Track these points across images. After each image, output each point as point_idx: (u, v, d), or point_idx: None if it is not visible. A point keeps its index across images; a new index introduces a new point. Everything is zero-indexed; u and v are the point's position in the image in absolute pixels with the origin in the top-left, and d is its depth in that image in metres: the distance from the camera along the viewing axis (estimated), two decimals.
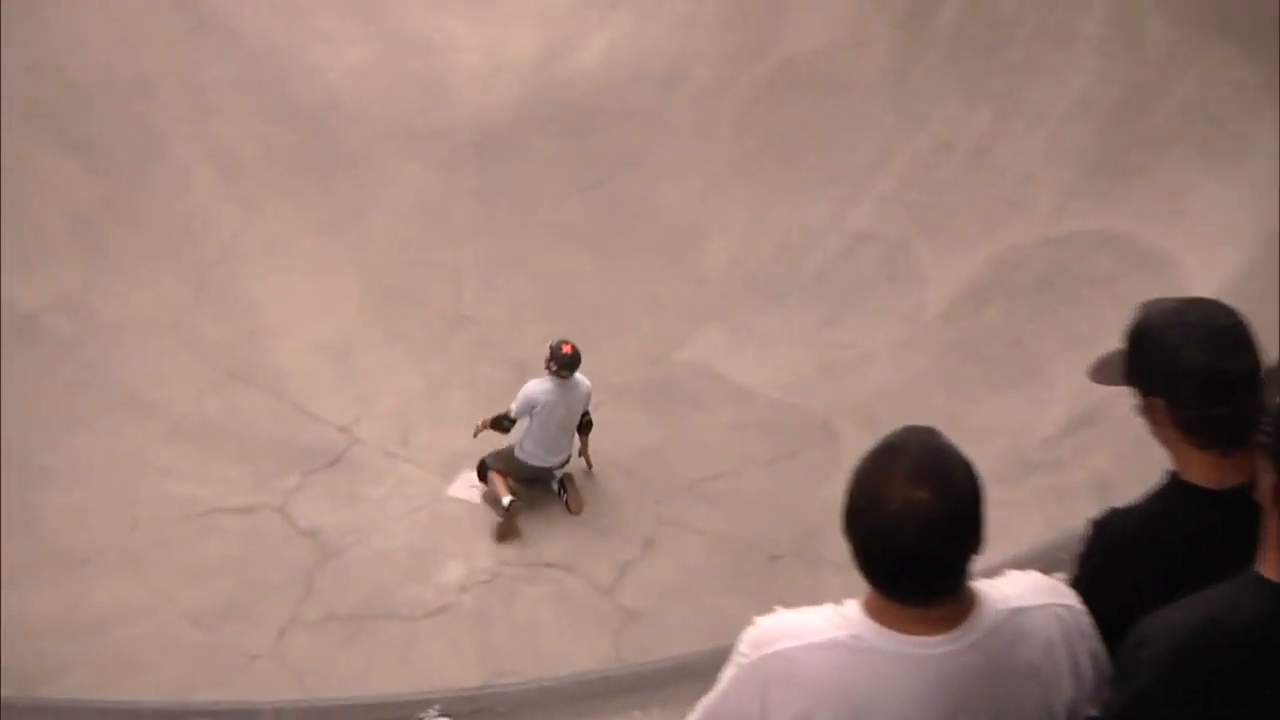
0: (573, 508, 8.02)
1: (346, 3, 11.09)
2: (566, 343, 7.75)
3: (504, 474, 7.86)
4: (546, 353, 7.77)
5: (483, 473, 7.99)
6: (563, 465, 8.05)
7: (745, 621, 2.37)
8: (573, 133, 10.64)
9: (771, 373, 8.94)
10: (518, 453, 7.91)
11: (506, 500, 7.72)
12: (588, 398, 7.91)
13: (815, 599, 2.40)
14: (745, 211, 10.09)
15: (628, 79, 10.80)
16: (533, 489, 8.02)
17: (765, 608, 2.39)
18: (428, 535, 7.96)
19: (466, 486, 8.32)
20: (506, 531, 7.79)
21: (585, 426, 8.00)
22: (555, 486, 8.07)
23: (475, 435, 8.01)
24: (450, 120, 10.72)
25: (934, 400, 7.98)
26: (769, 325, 9.38)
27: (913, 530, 2.14)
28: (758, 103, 10.52)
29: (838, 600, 2.34)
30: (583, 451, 8.13)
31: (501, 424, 7.87)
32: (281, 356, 9.21)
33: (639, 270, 9.88)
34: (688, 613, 7.23)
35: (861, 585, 2.31)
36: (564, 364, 7.72)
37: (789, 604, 2.42)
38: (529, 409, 7.78)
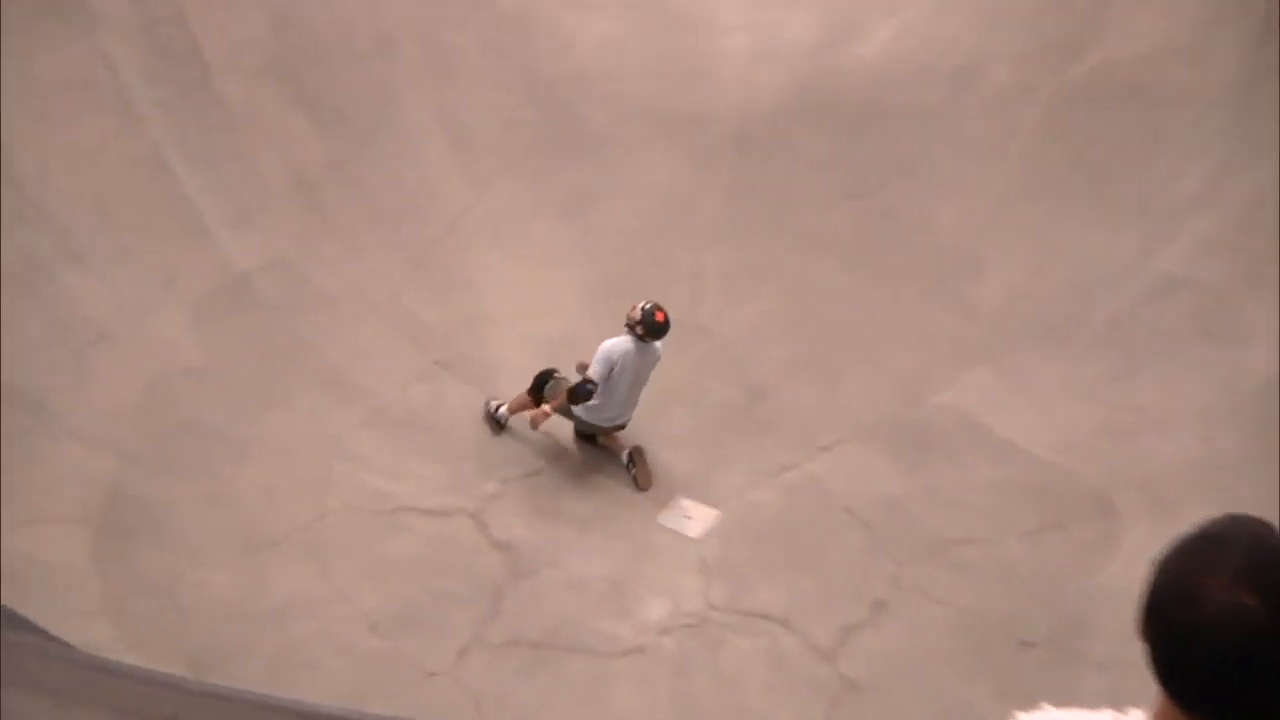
0: (641, 483, 8.43)
1: None
2: (661, 310, 8.28)
3: (550, 411, 8.31)
4: (636, 314, 8.29)
5: (536, 389, 8.45)
6: (620, 427, 8.50)
7: (985, 713, 2.25)
8: (842, 132, 10.57)
9: (1044, 429, 8.65)
10: (577, 408, 8.29)
11: (522, 415, 8.47)
12: (657, 362, 8.40)
13: (1069, 700, 2.28)
14: (1033, 240, 9.79)
15: (912, 75, 10.64)
16: (587, 446, 8.64)
17: (1009, 699, 2.30)
18: (631, 565, 8.05)
19: (680, 517, 8.32)
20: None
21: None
22: (624, 459, 8.47)
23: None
24: (706, 107, 10.80)
25: (1243, 488, 7.50)
26: (1047, 374, 9.08)
27: (1233, 642, 2.01)
28: (1063, 112, 10.17)
29: (1098, 706, 2.23)
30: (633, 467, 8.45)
31: (580, 395, 8.24)
32: (495, 348, 9.51)
33: (902, 296, 9.76)
34: (917, 692, 7.02)
35: (1128, 691, 2.20)
36: (651, 330, 8.27)
37: (1038, 702, 2.31)
38: (609, 370, 8.22)
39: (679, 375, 9.18)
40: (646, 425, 8.89)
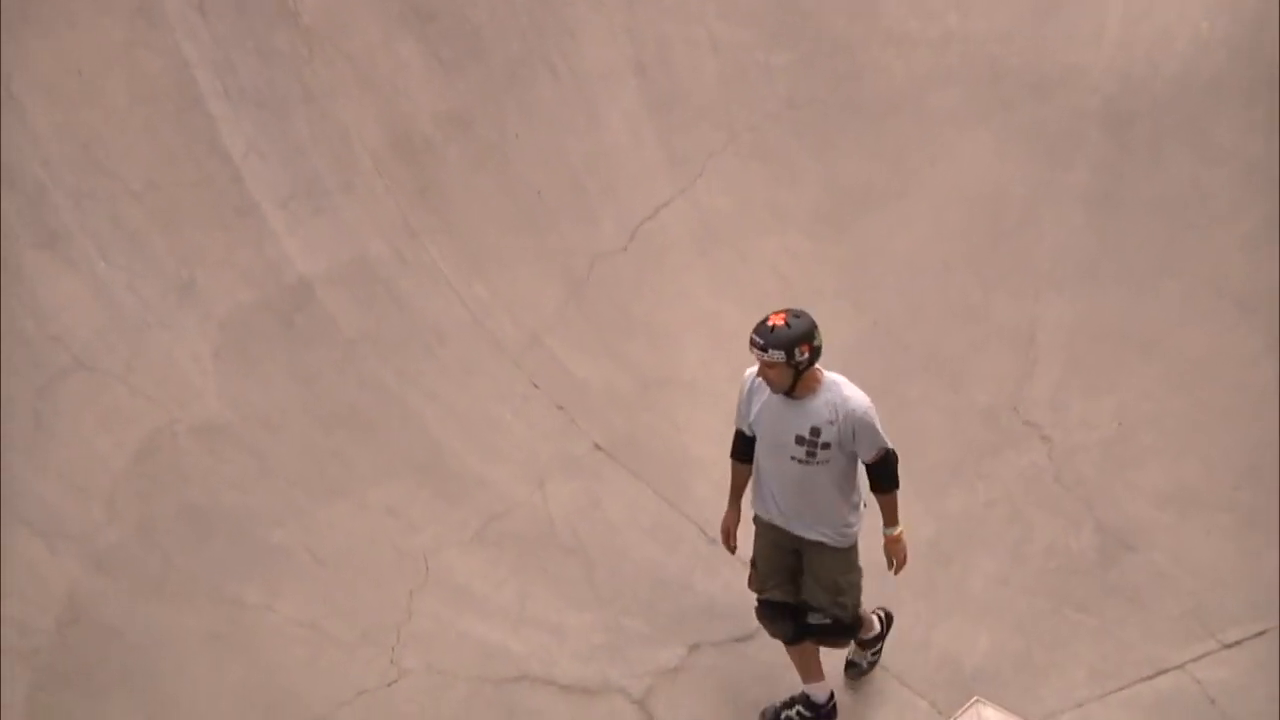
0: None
1: None
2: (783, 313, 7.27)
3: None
4: None
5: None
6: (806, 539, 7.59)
7: None
8: None
9: None
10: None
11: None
12: (845, 420, 7.31)
13: None
14: None
15: None
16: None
17: None
18: None
19: None
20: None
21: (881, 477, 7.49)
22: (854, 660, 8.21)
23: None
24: (1066, 66, 10.67)
25: None
26: None
27: None
28: None
29: None
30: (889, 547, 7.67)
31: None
32: (689, 428, 9.42)
33: None
34: None
35: None
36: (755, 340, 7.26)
37: None
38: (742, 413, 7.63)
39: (986, 498, 9.04)
40: (923, 576, 8.50)
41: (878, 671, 8.31)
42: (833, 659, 8.08)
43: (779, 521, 7.60)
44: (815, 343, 7.23)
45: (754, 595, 7.92)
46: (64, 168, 9.27)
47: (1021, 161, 10.39)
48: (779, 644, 8.04)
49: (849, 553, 7.60)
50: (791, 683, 8.08)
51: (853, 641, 8.05)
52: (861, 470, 7.51)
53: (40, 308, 8.85)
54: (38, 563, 8.07)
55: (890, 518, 7.57)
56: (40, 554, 8.11)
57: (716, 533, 8.17)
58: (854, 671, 8.24)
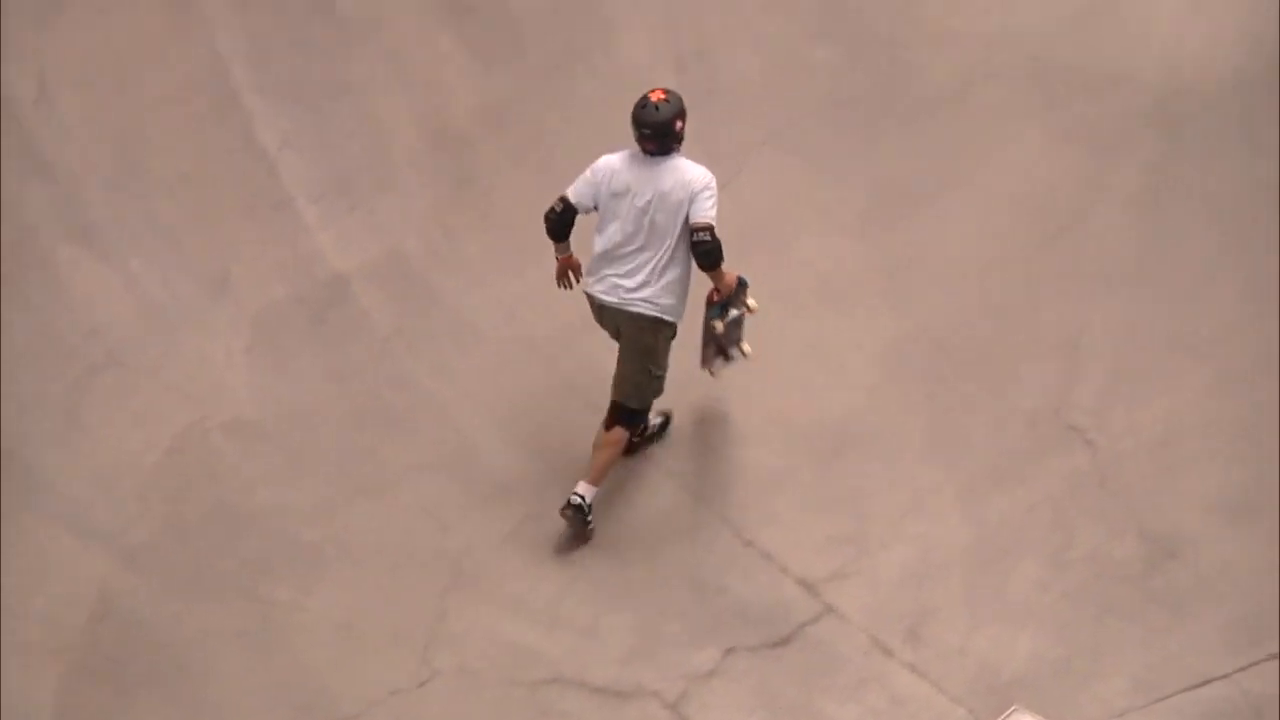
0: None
1: None
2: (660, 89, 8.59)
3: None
4: None
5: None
6: (626, 312, 8.63)
7: None
8: None
9: None
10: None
11: None
12: (692, 188, 8.46)
13: None
14: None
15: None
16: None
17: None
18: None
19: None
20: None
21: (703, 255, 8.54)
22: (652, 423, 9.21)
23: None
24: (1117, 61, 10.63)
25: None
26: None
27: None
28: None
29: None
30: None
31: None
32: (730, 429, 9.45)
33: None
34: None
35: None
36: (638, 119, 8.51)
37: None
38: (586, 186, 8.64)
39: (1028, 503, 8.95)
40: (962, 582, 8.59)
41: (913, 677, 8.30)
42: None
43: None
44: None
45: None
46: (97, 161, 9.37)
47: (1069, 162, 10.32)
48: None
49: None
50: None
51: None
52: None
53: (73, 302, 8.97)
54: (68, 559, 8.14)
55: None
56: (71, 550, 8.19)
57: (754, 535, 8.33)
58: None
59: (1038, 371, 9.41)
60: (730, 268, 8.84)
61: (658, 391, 8.87)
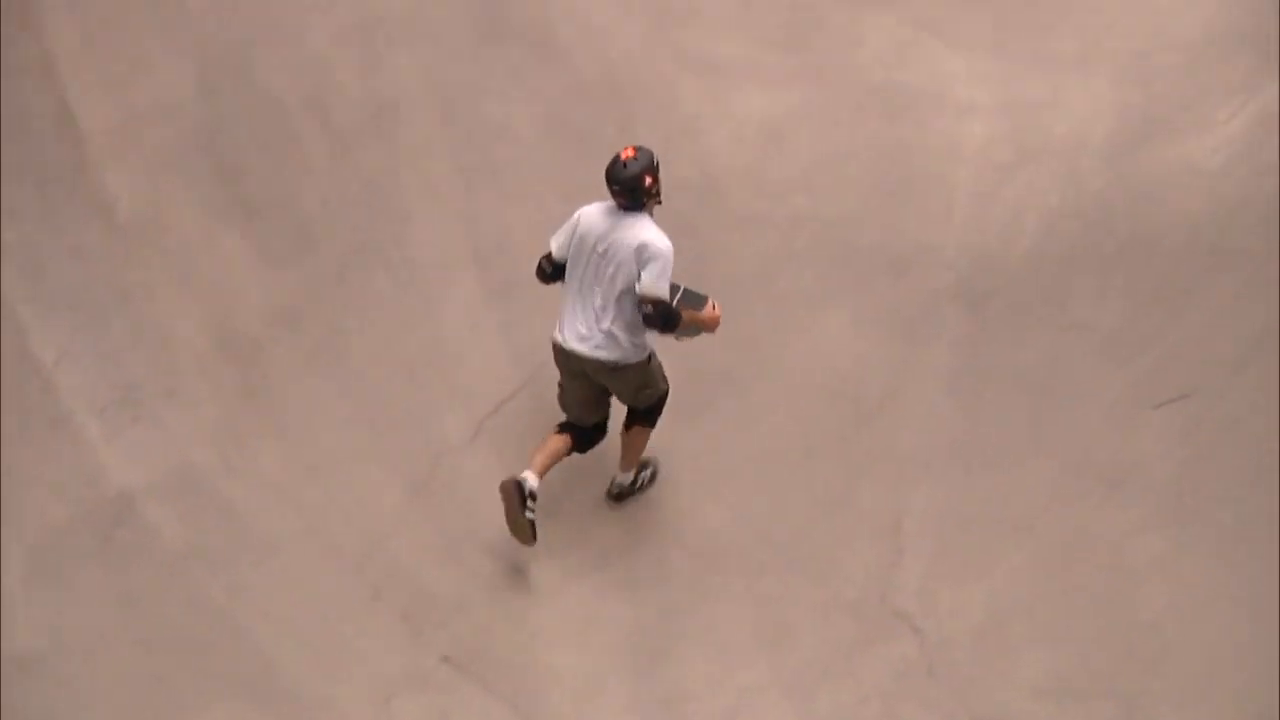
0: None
1: None
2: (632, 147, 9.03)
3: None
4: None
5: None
6: (599, 361, 9.03)
7: None
8: (1156, 291, 10.27)
9: None
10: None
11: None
12: (643, 252, 8.90)
13: None
14: None
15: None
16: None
17: None
18: None
19: None
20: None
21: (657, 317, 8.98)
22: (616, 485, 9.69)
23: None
24: (921, 239, 10.80)
25: None
26: None
27: None
28: None
29: None
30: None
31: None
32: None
33: None
34: None
35: None
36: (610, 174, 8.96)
37: None
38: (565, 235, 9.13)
39: (857, 696, 8.95)
40: None
41: None
42: None
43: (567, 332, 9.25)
44: None
45: None
46: None
47: (879, 342, 10.41)
48: None
49: None
50: None
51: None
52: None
53: None
54: None
55: None
56: None
57: None
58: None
59: (860, 558, 9.40)
60: None
61: (664, 393, 9.39)
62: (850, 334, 10.46)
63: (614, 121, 11.06)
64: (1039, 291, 10.47)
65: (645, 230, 8.86)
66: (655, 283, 8.79)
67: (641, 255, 8.80)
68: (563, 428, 9.33)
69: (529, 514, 8.97)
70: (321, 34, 11.06)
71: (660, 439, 9.82)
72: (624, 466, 9.55)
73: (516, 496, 8.92)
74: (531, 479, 9.02)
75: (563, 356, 9.12)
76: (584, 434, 9.37)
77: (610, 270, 8.86)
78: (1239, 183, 10.50)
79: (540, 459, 9.15)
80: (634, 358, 9.02)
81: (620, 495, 9.61)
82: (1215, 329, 10.07)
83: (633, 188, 8.84)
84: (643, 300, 8.78)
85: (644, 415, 9.38)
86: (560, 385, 9.34)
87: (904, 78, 11.31)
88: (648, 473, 9.72)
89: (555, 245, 9.07)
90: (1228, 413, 9.71)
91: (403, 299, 10.35)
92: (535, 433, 9.77)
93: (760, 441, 10.11)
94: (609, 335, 8.93)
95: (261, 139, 10.66)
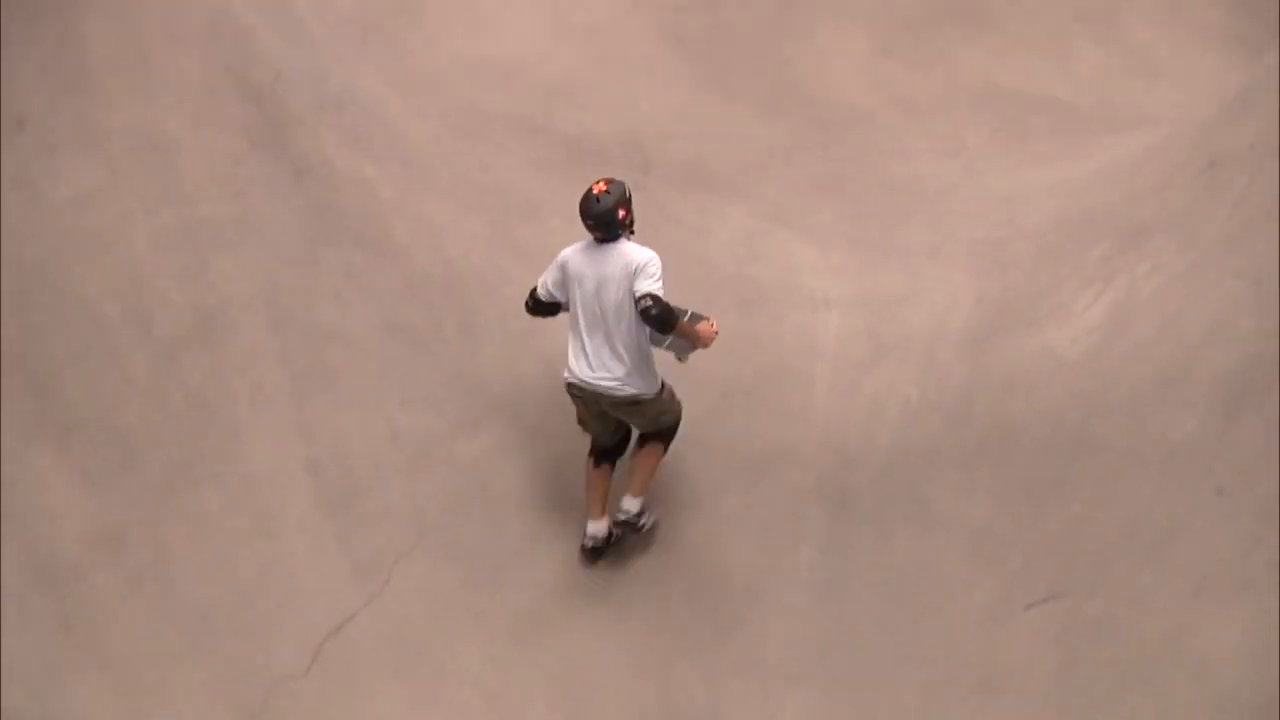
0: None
1: None
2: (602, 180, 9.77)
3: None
4: None
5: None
6: (617, 397, 9.72)
7: None
8: (1023, 488, 10.09)
9: None
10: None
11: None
12: (630, 268, 9.58)
13: None
14: None
15: (1154, 388, 10.10)
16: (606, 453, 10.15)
17: None
18: None
19: None
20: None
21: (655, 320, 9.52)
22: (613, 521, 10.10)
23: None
24: (777, 440, 10.79)
25: None
26: None
27: None
28: None
29: None
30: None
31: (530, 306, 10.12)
32: None
33: None
34: None
35: None
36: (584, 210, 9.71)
37: None
38: (551, 273, 9.90)
39: None
40: None
41: None
42: None
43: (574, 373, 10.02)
44: None
45: None
46: None
47: (740, 547, 10.37)
48: None
49: None
50: None
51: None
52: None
53: None
54: None
55: None
56: None
57: None
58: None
59: None
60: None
61: (679, 414, 10.07)
62: (708, 538, 10.43)
63: (454, 319, 11.11)
64: (903, 488, 10.46)
65: (627, 252, 9.55)
66: (648, 283, 9.42)
67: (630, 271, 9.48)
68: (598, 460, 10.07)
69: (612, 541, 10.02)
70: (142, 240, 10.87)
71: (512, 656, 9.77)
72: (634, 491, 9.96)
73: (603, 552, 9.98)
74: (599, 527, 9.95)
75: (579, 393, 9.79)
76: (613, 451, 10.09)
77: (611, 302, 9.55)
78: (1098, 373, 10.42)
79: (597, 502, 9.98)
80: (651, 390, 9.72)
81: (627, 525, 9.97)
82: (1082, 523, 9.90)
83: (608, 221, 9.60)
84: (640, 297, 9.37)
85: (659, 435, 9.98)
86: (579, 415, 10.09)
87: (755, 270, 11.47)
88: (652, 518, 10.16)
89: (541, 285, 9.82)
90: (1100, 611, 9.54)
91: (233, 516, 10.09)
92: (379, 655, 9.57)
93: (621, 655, 10.01)
94: (628, 371, 9.60)
95: (77, 351, 10.41)
